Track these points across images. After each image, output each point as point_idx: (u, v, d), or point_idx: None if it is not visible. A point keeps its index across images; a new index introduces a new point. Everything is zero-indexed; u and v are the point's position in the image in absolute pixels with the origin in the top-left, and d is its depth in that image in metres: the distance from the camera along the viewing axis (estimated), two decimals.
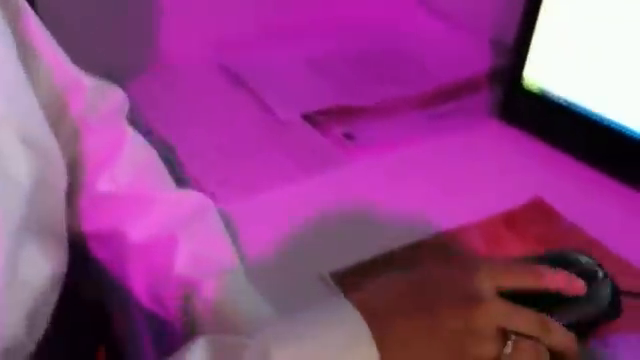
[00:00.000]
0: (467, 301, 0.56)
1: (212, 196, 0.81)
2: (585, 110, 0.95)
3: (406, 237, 0.83)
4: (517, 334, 0.55)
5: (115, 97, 0.82)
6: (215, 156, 0.98)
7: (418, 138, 1.01)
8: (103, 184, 0.76)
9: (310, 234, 0.85)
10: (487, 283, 0.57)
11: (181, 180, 0.84)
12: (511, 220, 0.86)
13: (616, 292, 0.66)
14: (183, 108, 1.07)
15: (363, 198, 0.90)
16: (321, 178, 0.94)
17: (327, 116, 1.05)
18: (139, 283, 0.74)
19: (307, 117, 1.05)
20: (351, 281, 0.77)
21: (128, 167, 0.77)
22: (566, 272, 0.61)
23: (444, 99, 1.09)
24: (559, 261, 0.64)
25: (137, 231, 0.74)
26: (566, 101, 0.97)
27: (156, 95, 1.07)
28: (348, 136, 1.02)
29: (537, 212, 0.88)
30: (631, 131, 0.91)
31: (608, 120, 0.93)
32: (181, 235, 0.73)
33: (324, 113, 1.06)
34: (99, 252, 0.77)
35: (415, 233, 0.83)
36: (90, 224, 0.76)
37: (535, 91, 1.00)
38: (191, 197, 0.78)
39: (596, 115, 0.94)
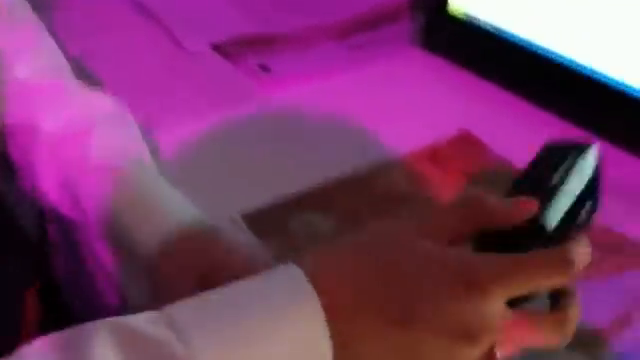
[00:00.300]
0: (465, 335, 0.46)
1: None
2: (513, 36, 0.93)
3: (323, 175, 0.80)
4: None
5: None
6: (120, 91, 0.91)
7: (337, 69, 0.99)
8: (20, 71, 0.74)
9: (222, 172, 0.82)
10: (498, 303, 0.47)
11: None
12: (436, 154, 0.84)
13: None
14: (87, 39, 1.01)
15: (279, 134, 0.88)
16: (234, 112, 0.90)
17: (240, 46, 1.02)
18: (50, 181, 0.71)
19: (217, 47, 1.01)
20: (264, 223, 0.74)
21: (43, 60, 0.76)
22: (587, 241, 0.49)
23: (363, 28, 1.06)
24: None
25: (50, 123, 0.72)
26: (493, 27, 0.94)
27: (61, 24, 1.01)
28: (263, 67, 0.98)
29: (464, 145, 0.85)
30: (561, 57, 0.89)
31: (537, 47, 0.91)
32: (97, 130, 0.71)
33: (236, 43, 1.02)
34: (13, 150, 0.74)
35: (333, 170, 0.81)
36: (7, 116, 0.74)
37: (460, 16, 0.97)
38: (108, 100, 0.76)
39: (524, 41, 0.92)
